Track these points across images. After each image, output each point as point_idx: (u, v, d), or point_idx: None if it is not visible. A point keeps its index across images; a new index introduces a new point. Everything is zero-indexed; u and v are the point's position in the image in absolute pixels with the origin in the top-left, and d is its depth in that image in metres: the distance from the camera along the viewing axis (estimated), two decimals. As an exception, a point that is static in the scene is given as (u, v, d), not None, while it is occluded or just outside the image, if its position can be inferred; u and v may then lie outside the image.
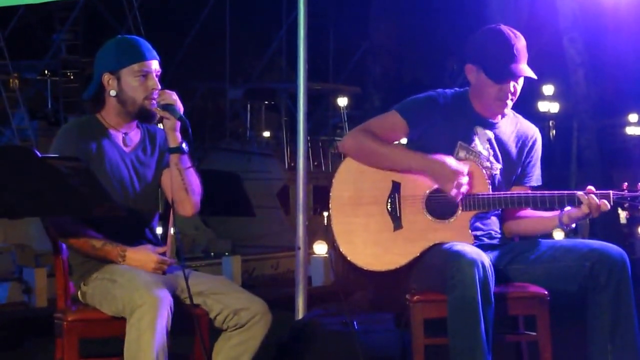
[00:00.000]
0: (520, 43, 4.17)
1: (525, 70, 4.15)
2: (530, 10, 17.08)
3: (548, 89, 28.79)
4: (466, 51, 4.27)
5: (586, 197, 4.04)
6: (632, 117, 32.79)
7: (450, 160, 4.10)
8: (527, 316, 4.25)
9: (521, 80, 4.19)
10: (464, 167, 4.09)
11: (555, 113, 30.02)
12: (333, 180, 4.25)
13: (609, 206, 4.05)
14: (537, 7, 17.66)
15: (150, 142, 4.15)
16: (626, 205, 4.08)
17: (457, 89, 4.33)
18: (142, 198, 4.07)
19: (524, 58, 4.16)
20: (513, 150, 4.30)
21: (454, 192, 4.07)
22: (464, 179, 4.07)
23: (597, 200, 4.03)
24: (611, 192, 4.07)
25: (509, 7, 16.16)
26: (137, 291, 3.72)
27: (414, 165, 4.15)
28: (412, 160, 4.16)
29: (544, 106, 29.17)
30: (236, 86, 26.68)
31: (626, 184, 4.10)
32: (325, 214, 4.24)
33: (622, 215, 16.64)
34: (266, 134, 26.75)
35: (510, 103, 4.22)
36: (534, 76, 4.15)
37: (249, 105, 26.26)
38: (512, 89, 4.17)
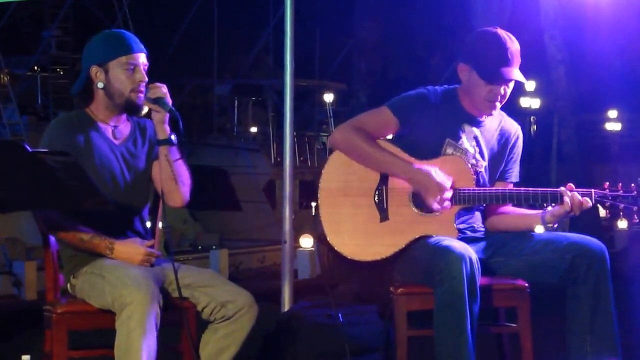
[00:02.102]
0: (515, 47, 4.20)
1: (516, 74, 4.19)
2: (513, 8, 17.12)
3: (529, 85, 28.76)
4: (461, 51, 4.32)
5: (569, 194, 4.11)
6: (612, 113, 32.79)
7: (435, 173, 4.13)
8: (508, 308, 4.30)
9: (511, 84, 4.23)
10: (447, 182, 4.13)
11: (536, 109, 30.01)
12: (322, 172, 4.29)
13: (590, 204, 4.10)
14: (519, 5, 17.71)
15: (140, 135, 4.18)
16: (607, 204, 4.14)
17: (446, 86, 4.36)
18: (133, 189, 4.10)
19: (516, 62, 4.20)
20: (497, 147, 4.35)
21: (435, 205, 4.13)
22: (448, 194, 4.13)
23: (580, 198, 4.09)
24: (593, 190, 4.13)
25: (492, 5, 16.18)
26: (126, 288, 3.75)
27: (399, 172, 4.18)
28: (398, 167, 4.19)
29: (525, 102, 29.15)
30: (224, 82, 26.64)
31: (607, 183, 4.16)
32: (314, 204, 4.28)
33: (602, 209, 16.70)
34: (253, 129, 26.71)
35: (498, 105, 4.26)
36: (524, 80, 4.21)
37: (236, 101, 26.23)
38: (502, 92, 4.21)
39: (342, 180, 4.27)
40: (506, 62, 4.17)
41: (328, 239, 4.22)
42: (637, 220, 4.17)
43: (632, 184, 4.15)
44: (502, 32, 4.23)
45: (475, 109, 4.29)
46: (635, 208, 4.12)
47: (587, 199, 4.10)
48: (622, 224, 16.49)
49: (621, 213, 4.15)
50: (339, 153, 4.29)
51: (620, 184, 4.15)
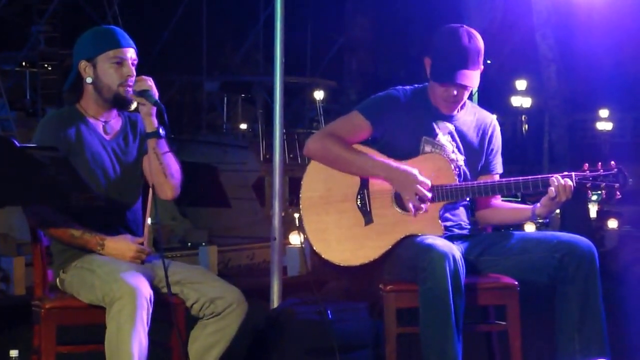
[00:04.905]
0: (475, 46, 4.17)
1: (465, 78, 4.15)
2: (505, 7, 17.15)
3: (521, 84, 28.82)
4: (427, 45, 4.31)
5: (552, 178, 4.09)
6: (603, 113, 32.91)
7: (415, 172, 4.14)
8: (497, 306, 4.30)
9: (469, 87, 4.21)
10: (428, 181, 4.14)
11: (527, 108, 30.09)
12: (302, 182, 4.28)
13: (571, 184, 4.06)
14: (511, 4, 17.76)
15: (131, 130, 4.17)
16: (589, 185, 4.12)
17: (416, 85, 4.36)
18: (124, 185, 4.10)
19: (473, 63, 4.16)
20: (474, 140, 4.34)
21: (411, 204, 4.13)
22: (428, 193, 4.13)
23: (562, 181, 4.06)
24: (573, 173, 4.11)
25: (484, 4, 16.20)
26: (116, 283, 3.75)
27: (380, 173, 4.18)
28: (377, 168, 4.18)
29: (517, 101, 29.22)
30: (213, 79, 26.69)
31: (587, 164, 4.15)
32: (297, 215, 4.28)
33: (592, 209, 16.75)
34: (242, 126, 26.77)
35: (456, 105, 4.27)
36: (472, 85, 4.18)
37: (225, 98, 26.28)
38: (454, 93, 4.20)
39: (322, 188, 4.26)
40: (460, 63, 4.14)
41: (315, 248, 4.22)
42: (619, 197, 4.14)
43: (612, 162, 4.15)
44: (464, 30, 4.19)
45: (439, 105, 4.28)
46: (616, 185, 4.09)
47: (568, 179, 4.08)
48: (613, 223, 16.54)
49: (603, 192, 4.11)
50: (317, 162, 4.29)
51: (600, 163, 4.13)
